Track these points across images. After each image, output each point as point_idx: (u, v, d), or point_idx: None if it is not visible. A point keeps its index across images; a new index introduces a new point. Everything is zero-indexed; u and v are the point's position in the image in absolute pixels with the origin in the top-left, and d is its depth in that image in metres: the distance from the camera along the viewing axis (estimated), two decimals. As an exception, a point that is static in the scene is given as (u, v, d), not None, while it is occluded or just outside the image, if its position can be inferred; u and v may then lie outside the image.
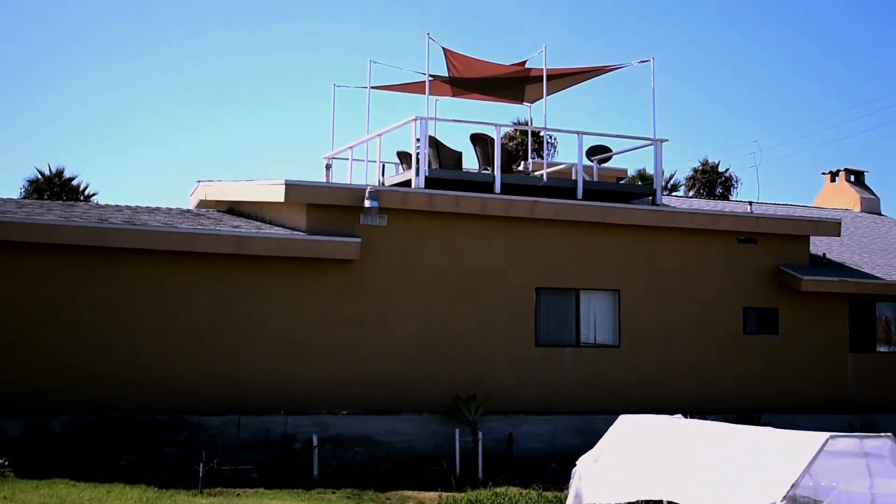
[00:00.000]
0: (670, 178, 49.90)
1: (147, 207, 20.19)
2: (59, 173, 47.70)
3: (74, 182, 47.91)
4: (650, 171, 34.03)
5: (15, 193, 46.02)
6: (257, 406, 17.48)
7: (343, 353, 18.36)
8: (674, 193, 46.22)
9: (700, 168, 49.75)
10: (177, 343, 17.38)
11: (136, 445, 16.41)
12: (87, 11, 62.97)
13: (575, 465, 12.27)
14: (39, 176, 47.30)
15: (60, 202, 23.96)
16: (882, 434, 9.78)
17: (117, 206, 20.10)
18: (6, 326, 16.53)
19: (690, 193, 48.58)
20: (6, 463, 15.22)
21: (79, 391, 16.63)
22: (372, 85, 22.83)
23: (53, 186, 46.85)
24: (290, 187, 18.14)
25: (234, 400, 17.40)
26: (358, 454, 17.62)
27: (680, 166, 54.12)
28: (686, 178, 50.21)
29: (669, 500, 10.53)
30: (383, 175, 22.23)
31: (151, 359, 17.17)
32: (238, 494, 14.81)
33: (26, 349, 16.55)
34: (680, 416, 12.30)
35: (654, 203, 21.55)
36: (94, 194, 48.14)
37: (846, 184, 35.27)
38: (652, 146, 21.60)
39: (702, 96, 71.02)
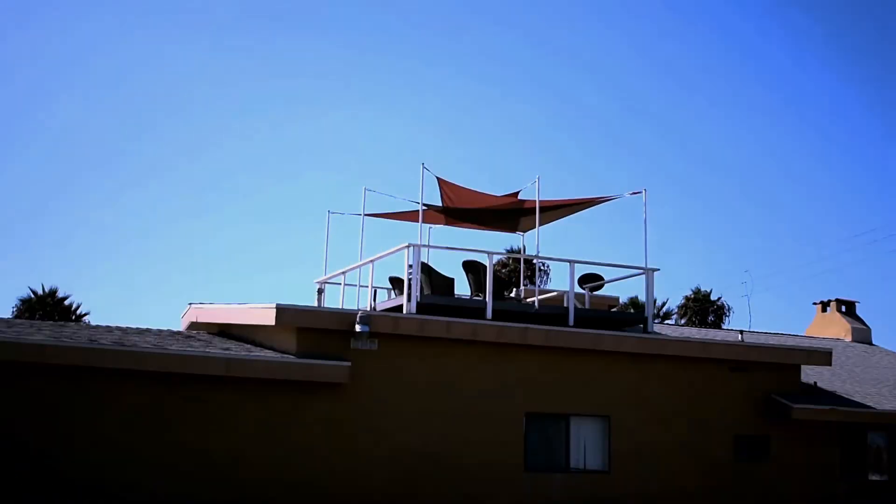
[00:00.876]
0: (662, 306, 50.08)
1: (137, 329, 20.17)
2: (52, 293, 47.83)
3: (67, 302, 48.05)
4: (643, 298, 34.13)
5: (7, 312, 46.07)
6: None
7: (333, 476, 18.14)
8: (666, 321, 46.29)
9: (692, 296, 49.95)
10: (166, 464, 17.13)
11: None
12: (80, 134, 63.65)
13: None
14: (32, 295, 47.42)
15: (51, 322, 23.88)
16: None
17: (108, 326, 20.08)
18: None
19: (682, 321, 48.69)
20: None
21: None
22: (366, 212, 23.03)
23: (46, 306, 46.91)
24: (282, 311, 18.12)
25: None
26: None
27: (672, 294, 54.36)
28: (678, 306, 50.39)
29: None
30: (375, 300, 22.27)
31: (140, 480, 16.93)
32: None
33: (11, 467, 16.32)
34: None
35: (645, 330, 21.59)
36: (86, 314, 48.23)
37: (837, 314, 35.39)
38: (644, 275, 21.71)
39: (694, 225, 71.57)
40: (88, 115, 63.35)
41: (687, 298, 50.05)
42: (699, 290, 50.24)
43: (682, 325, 43.11)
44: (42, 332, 17.87)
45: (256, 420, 17.82)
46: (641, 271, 21.78)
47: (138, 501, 16.83)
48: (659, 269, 21.68)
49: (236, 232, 67.76)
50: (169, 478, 17.13)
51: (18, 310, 46.69)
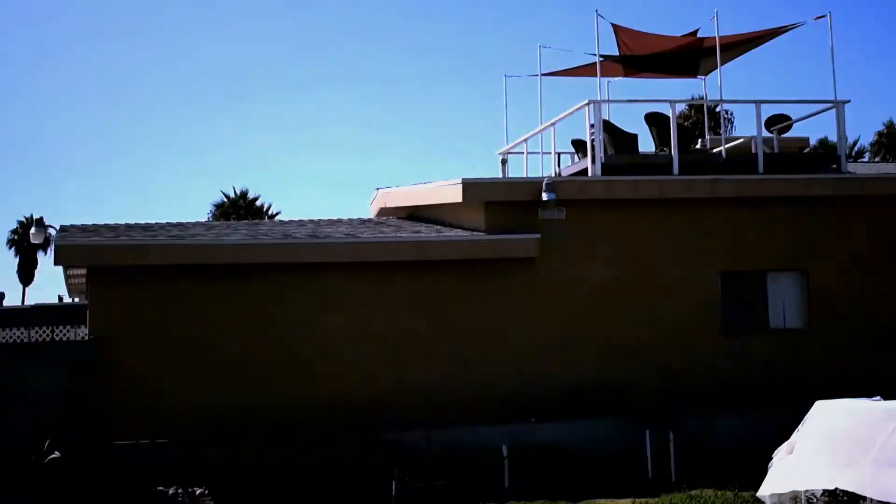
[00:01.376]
0: (854, 145, 48.42)
1: (329, 220, 20.46)
2: (244, 195, 49.17)
3: (258, 203, 49.26)
4: (832, 138, 32.93)
5: (203, 218, 47.59)
6: (446, 417, 17.25)
7: (525, 355, 18.00)
8: (859, 160, 44.86)
9: (884, 131, 48.15)
10: (366, 356, 17.45)
11: (325, 469, 16.02)
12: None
13: (771, 458, 11.91)
14: (225, 199, 48.80)
15: (246, 222, 24.53)
16: None
17: (300, 220, 20.43)
18: (208, 350, 16.86)
19: (877, 159, 47.11)
20: (206, 492, 15.18)
21: (274, 413, 16.74)
22: (543, 72, 22.54)
23: (238, 209, 48.23)
24: (468, 186, 18.06)
25: (424, 412, 17.28)
26: (547, 462, 16.73)
27: (863, 132, 52.39)
28: (870, 144, 48.70)
29: (863, 491, 10.14)
30: (559, 166, 21.97)
31: (344, 372, 17.30)
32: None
33: (224, 375, 16.84)
34: (879, 398, 11.72)
35: (839, 171, 20.56)
36: (277, 213, 49.40)
37: None
38: (833, 109, 20.54)
39: (883, 51, 68.49)
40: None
41: (879, 134, 48.27)
42: (892, 123, 48.36)
43: (877, 163, 41.63)
44: (239, 232, 18.31)
45: (452, 301, 17.91)
46: (831, 104, 20.61)
47: (341, 393, 17.18)
48: (850, 101, 20.46)
49: (415, 109, 68.05)
50: (370, 369, 17.45)
51: (213, 216, 48.13)
